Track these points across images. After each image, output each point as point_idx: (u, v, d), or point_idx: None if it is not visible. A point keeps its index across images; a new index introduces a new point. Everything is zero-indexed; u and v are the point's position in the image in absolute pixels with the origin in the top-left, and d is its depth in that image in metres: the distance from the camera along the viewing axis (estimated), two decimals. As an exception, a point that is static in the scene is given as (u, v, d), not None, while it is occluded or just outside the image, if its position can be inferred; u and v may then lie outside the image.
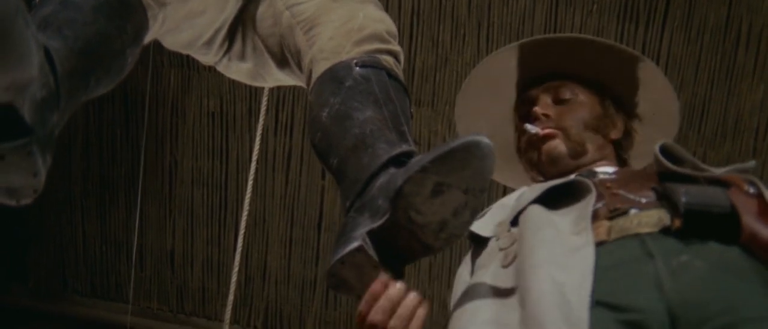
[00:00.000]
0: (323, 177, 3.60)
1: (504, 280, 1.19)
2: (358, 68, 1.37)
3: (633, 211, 1.21)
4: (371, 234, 1.14)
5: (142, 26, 1.40)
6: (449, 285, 3.86)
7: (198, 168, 3.71)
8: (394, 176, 1.16)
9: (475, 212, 1.16)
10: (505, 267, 1.22)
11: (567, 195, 1.30)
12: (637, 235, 1.16)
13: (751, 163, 1.27)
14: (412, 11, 3.31)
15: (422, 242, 1.17)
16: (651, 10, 3.15)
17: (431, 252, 1.20)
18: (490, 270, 1.26)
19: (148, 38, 1.47)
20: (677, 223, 1.15)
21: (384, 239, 1.15)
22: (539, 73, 1.64)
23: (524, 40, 1.67)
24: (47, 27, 1.19)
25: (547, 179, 1.57)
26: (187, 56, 1.76)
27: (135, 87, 3.61)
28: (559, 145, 1.52)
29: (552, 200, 1.31)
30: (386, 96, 1.34)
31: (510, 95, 1.68)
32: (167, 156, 3.73)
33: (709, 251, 1.12)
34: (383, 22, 1.52)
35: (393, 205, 1.13)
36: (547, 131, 1.53)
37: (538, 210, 1.27)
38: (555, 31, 3.18)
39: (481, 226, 1.38)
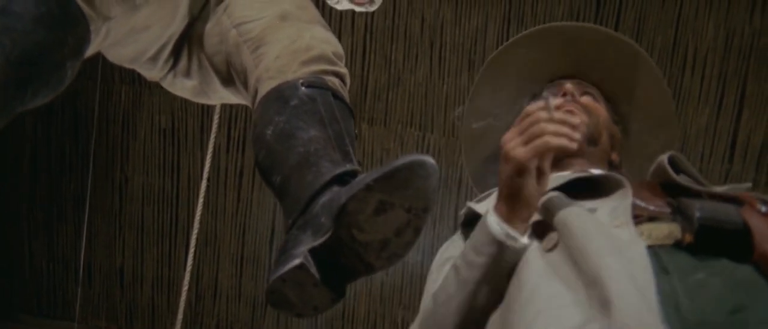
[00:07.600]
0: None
1: (554, 263, 1.15)
2: (303, 88, 1.36)
3: (645, 223, 1.19)
4: (313, 252, 1.14)
5: (84, 39, 1.38)
6: (400, 304, 3.83)
7: (149, 185, 3.67)
8: (338, 193, 1.16)
9: (418, 232, 1.15)
10: (549, 251, 1.16)
11: (586, 190, 1.26)
12: (649, 247, 1.12)
13: (748, 184, 1.27)
14: (365, 29, 3.33)
15: (364, 261, 1.17)
16: (600, 33, 3.20)
17: (372, 272, 1.19)
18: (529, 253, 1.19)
19: (90, 51, 1.45)
20: (688, 237, 1.13)
21: (326, 257, 1.14)
22: (563, 73, 1.63)
23: (557, 25, 1.64)
24: None
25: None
26: (139, 72, 1.75)
27: (85, 102, 3.57)
28: (579, 123, 1.42)
29: (569, 193, 1.26)
30: (331, 116, 1.34)
31: (523, 86, 1.65)
32: (118, 172, 3.68)
33: (723, 268, 1.10)
34: (330, 44, 1.52)
35: (336, 222, 1.12)
36: (571, 107, 1.48)
37: (564, 198, 1.22)
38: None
39: (481, 207, 1.34)
